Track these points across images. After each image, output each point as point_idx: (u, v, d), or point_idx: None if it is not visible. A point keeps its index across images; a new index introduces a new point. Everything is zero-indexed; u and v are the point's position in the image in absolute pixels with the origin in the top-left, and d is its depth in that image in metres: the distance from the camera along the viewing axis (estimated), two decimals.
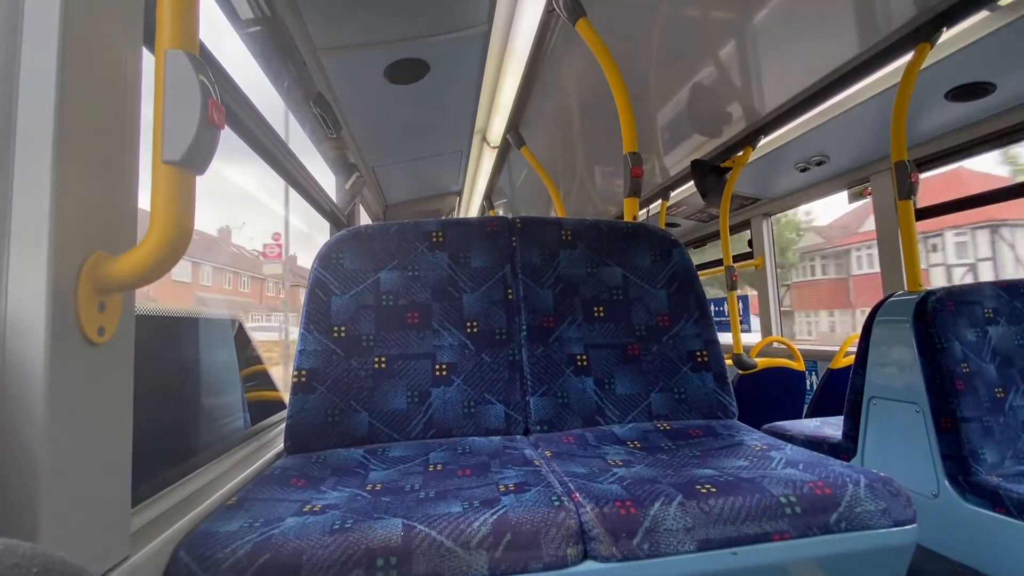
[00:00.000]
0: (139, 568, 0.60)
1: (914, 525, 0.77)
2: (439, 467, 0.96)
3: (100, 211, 0.57)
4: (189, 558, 0.64)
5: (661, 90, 2.25)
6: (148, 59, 0.71)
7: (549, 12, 1.78)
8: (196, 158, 0.53)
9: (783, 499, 0.76)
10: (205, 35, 1.04)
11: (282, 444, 1.11)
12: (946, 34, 1.64)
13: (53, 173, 0.51)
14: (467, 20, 1.75)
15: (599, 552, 0.71)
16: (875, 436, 1.59)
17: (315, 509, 0.76)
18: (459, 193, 4.05)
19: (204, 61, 0.55)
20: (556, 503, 0.75)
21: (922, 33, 1.63)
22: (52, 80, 0.51)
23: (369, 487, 0.87)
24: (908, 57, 1.70)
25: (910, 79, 1.69)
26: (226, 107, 0.57)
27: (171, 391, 1.01)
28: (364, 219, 3.21)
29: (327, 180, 2.66)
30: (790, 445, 1.00)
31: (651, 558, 0.70)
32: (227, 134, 1.45)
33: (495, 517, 0.71)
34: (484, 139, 3.14)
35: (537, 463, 0.95)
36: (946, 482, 1.33)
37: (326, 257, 1.23)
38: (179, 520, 0.70)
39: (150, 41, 0.58)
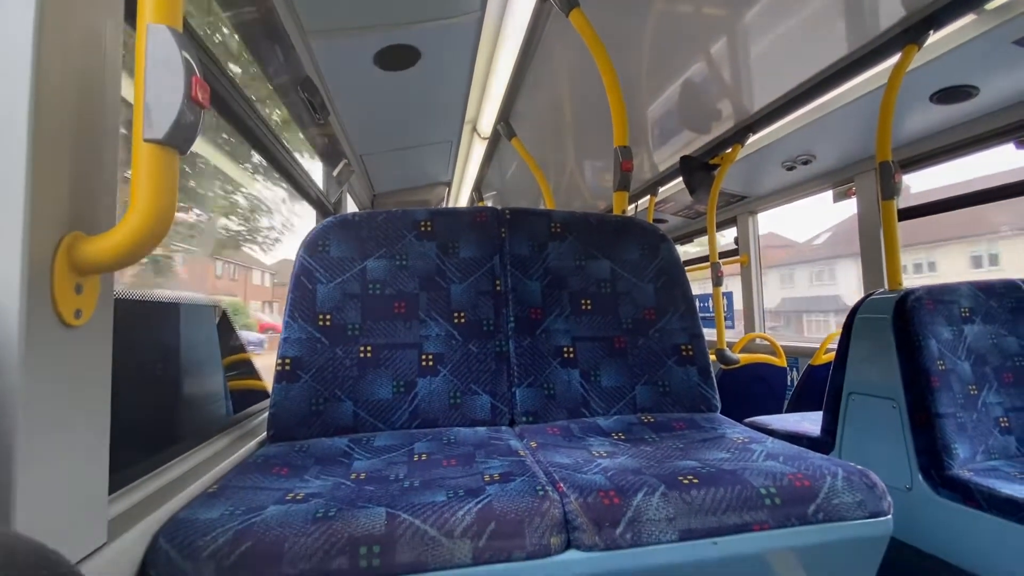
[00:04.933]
0: (117, 555, 0.59)
1: (889, 517, 0.79)
2: (424, 457, 0.96)
3: (78, 190, 0.55)
4: (168, 545, 0.63)
5: (652, 85, 2.25)
6: (129, 34, 0.68)
7: (543, 2, 1.76)
8: (179, 137, 0.51)
9: (763, 490, 0.77)
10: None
11: (265, 432, 1.10)
12: (932, 37, 1.66)
13: (29, 150, 0.49)
14: (460, 7, 1.73)
15: (582, 541, 0.71)
16: (852, 431, 1.63)
17: (298, 498, 0.75)
18: (448, 184, 4.02)
19: (188, 37, 0.54)
20: (540, 493, 0.75)
21: (910, 35, 1.65)
22: (28, 54, 0.49)
23: (353, 476, 0.86)
24: (895, 59, 1.72)
25: (896, 80, 1.71)
26: (210, 87, 0.55)
27: (151, 377, 0.99)
28: (351, 208, 3.17)
29: (313, 167, 2.62)
30: (771, 438, 1.02)
31: (634, 547, 0.71)
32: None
33: (479, 506, 0.71)
34: (475, 129, 3.12)
35: (522, 453, 0.95)
36: (919, 476, 1.37)
37: (312, 244, 1.21)
38: (159, 507, 0.69)
39: (132, 15, 0.56)
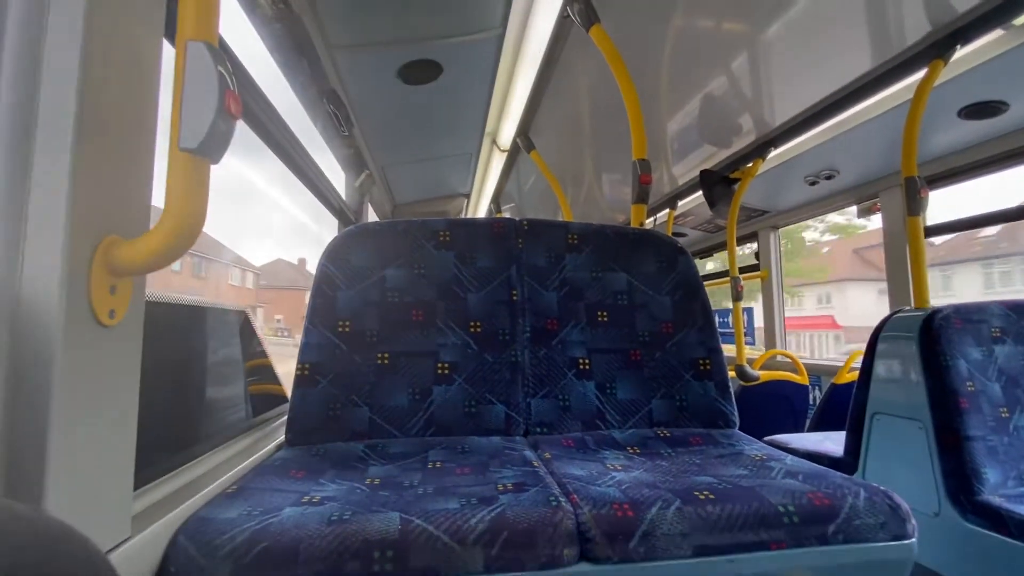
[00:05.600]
0: (139, 550, 0.61)
1: (913, 540, 0.77)
2: (438, 464, 0.96)
3: (115, 196, 0.58)
4: (188, 543, 0.65)
5: (672, 99, 2.26)
6: (168, 49, 0.72)
7: (563, 18, 1.79)
8: (212, 146, 0.54)
9: (781, 508, 0.75)
10: (223, 28, 1.05)
11: (283, 436, 1.12)
12: (960, 52, 1.63)
13: (72, 157, 0.52)
14: (482, 23, 1.76)
15: (595, 553, 0.71)
16: (877, 452, 1.58)
17: (314, 500, 0.76)
18: (467, 195, 4.07)
19: (223, 53, 0.56)
20: (554, 503, 0.75)
21: (936, 50, 1.63)
22: (75, 67, 0.53)
23: (368, 481, 0.87)
24: (921, 73, 1.70)
25: (923, 96, 1.69)
26: (241, 99, 0.58)
27: (175, 378, 1.01)
28: (372, 218, 3.23)
29: (337, 178, 2.68)
30: (790, 456, 1.00)
31: (647, 561, 0.70)
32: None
33: (492, 515, 0.71)
34: (494, 142, 3.16)
35: (536, 464, 0.95)
36: (947, 501, 1.32)
37: (333, 252, 1.23)
38: (179, 505, 0.71)
39: (171, 32, 0.59)
